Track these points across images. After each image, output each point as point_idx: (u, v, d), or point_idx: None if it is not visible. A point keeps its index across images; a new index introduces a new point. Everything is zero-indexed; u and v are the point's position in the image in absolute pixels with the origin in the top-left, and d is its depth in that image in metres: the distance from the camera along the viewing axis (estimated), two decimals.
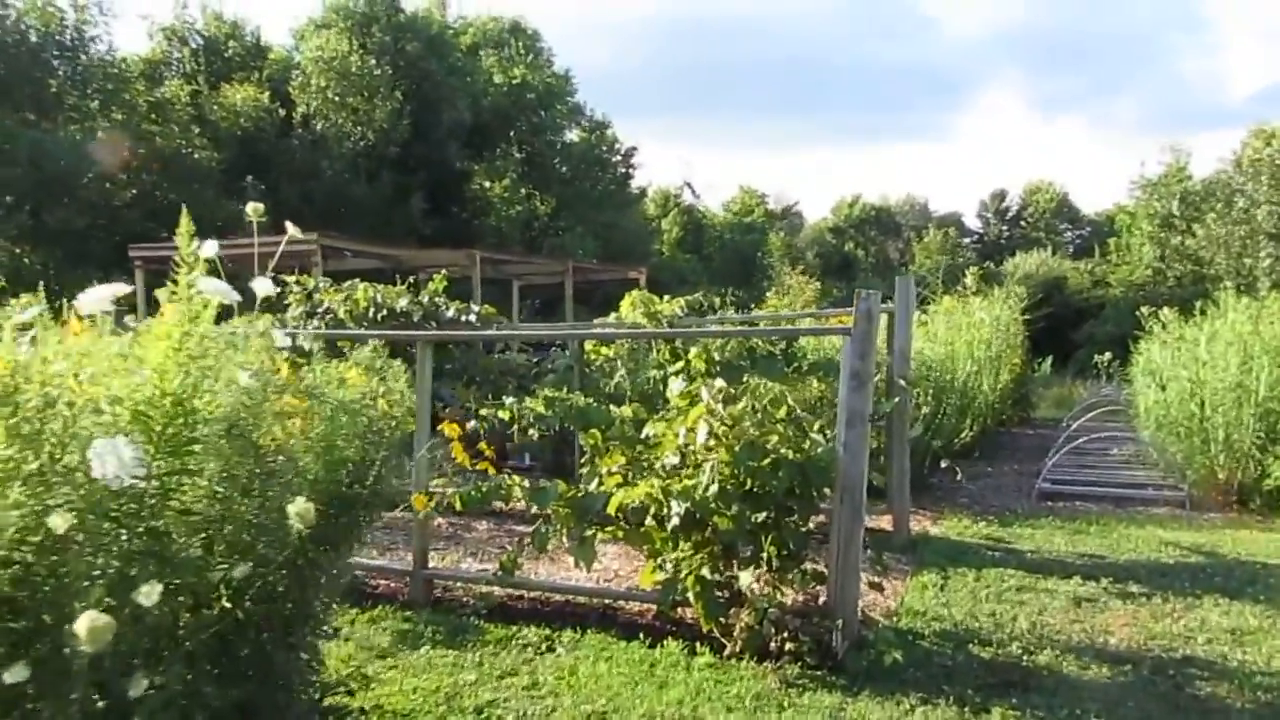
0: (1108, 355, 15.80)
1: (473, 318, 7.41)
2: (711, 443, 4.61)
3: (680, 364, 6.46)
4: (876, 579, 4.96)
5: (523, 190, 35.86)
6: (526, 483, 5.16)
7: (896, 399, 6.43)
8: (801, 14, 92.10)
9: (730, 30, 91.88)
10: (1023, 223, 66.99)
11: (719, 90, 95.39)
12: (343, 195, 25.09)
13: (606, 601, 5.25)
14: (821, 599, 4.73)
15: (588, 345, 7.46)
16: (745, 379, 5.34)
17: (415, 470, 5.47)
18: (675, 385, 5.26)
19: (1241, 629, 4.95)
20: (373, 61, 26.29)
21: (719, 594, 4.65)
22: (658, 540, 4.90)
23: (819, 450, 4.61)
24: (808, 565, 4.73)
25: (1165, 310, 10.92)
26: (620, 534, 5.05)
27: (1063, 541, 6.86)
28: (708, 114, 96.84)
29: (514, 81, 33.63)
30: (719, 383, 5.10)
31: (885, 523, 6.88)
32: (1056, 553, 6.55)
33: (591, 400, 5.74)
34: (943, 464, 6.41)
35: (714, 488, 4.49)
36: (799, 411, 4.79)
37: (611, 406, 5.40)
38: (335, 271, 11.05)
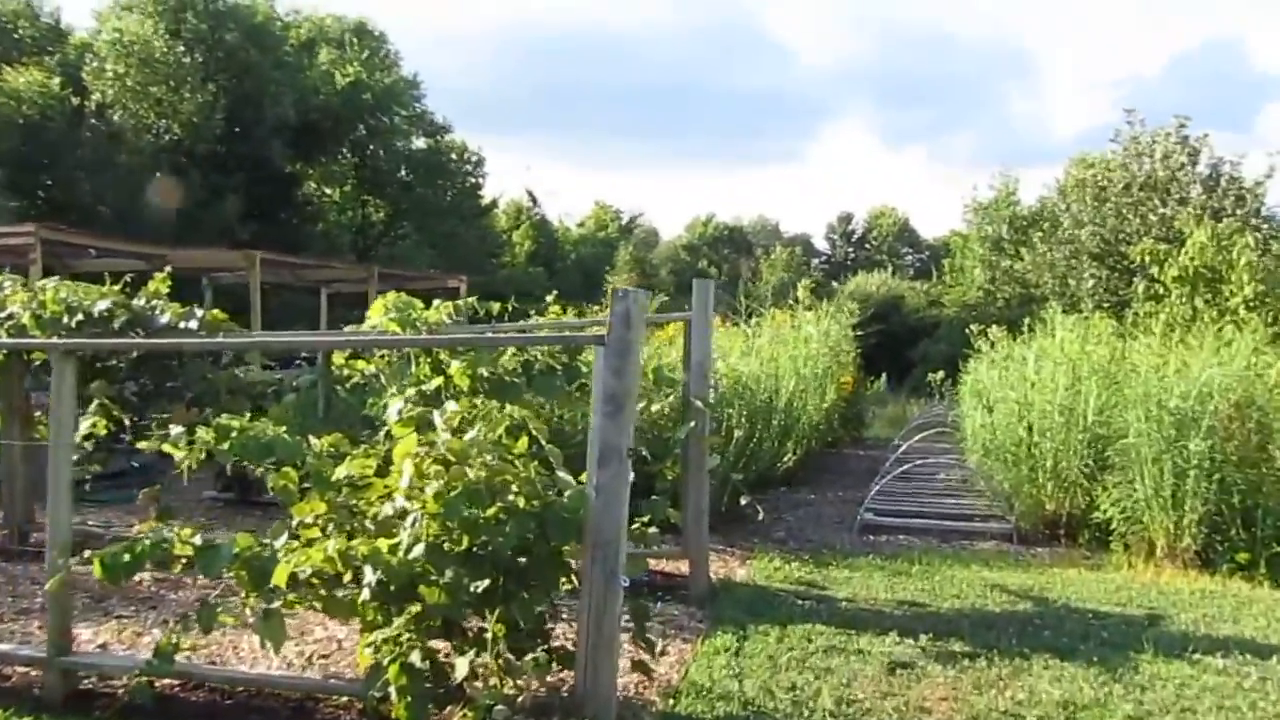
0: (940, 374, 15.52)
1: (194, 324, 6.07)
2: (425, 487, 3.49)
3: (438, 380, 5.34)
4: (644, 656, 3.93)
5: (360, 196, 34.02)
6: (199, 538, 3.89)
7: (692, 423, 5.47)
8: (663, 40, 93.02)
9: (593, 53, 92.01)
10: (867, 245, 69.32)
11: (581, 111, 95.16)
12: (144, 194, 22.78)
13: (304, 692, 4.04)
14: (570, 686, 3.68)
15: (339, 358, 6.22)
16: (479, 401, 4.24)
17: (50, 518, 4.15)
18: (394, 409, 4.11)
19: (1075, 702, 4.16)
20: (181, 49, 24.06)
21: (434, 686, 3.53)
22: (369, 612, 3.74)
23: (566, 495, 3.57)
24: (552, 644, 3.67)
25: (994, 328, 10.48)
26: (319, 604, 3.85)
27: (882, 585, 6.04)
28: (568, 133, 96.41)
29: (348, 80, 31.71)
30: (451, 406, 4.00)
31: (685, 566, 5.91)
32: (874, 601, 5.72)
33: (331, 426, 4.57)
34: (743, 500, 5.47)
35: (419, 548, 3.37)
36: (545, 444, 3.72)
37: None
38: (81, 274, 9.39)
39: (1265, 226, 14.97)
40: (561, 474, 3.68)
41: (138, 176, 22.57)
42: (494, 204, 45.16)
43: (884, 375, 21.91)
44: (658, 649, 4.70)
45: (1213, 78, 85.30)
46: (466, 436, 3.66)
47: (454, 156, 40.10)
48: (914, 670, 4.54)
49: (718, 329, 10.11)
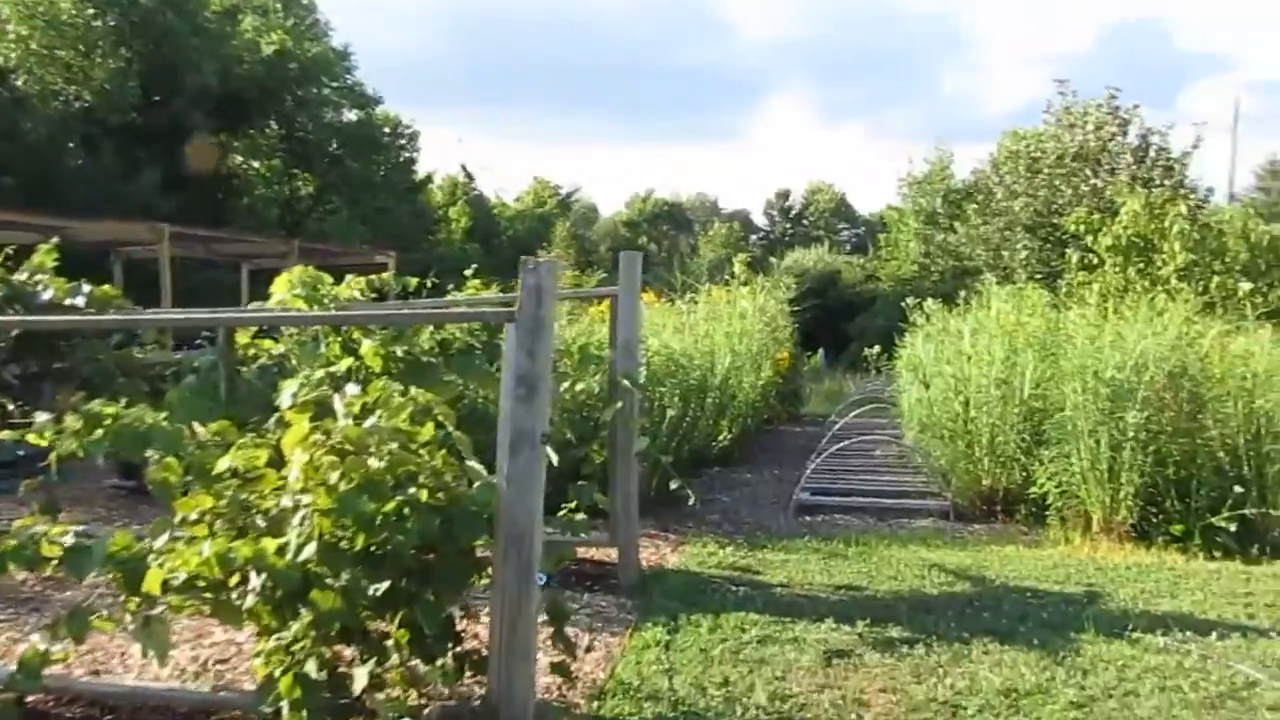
0: (877, 348, 15.49)
1: (80, 300, 5.62)
2: (320, 479, 3.16)
3: (348, 361, 4.99)
4: (563, 656, 3.65)
5: (288, 170, 32.96)
6: (71, 535, 3.51)
7: (619, 404, 5.19)
8: (602, 15, 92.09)
9: (531, 27, 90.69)
10: (805, 221, 69.77)
11: (519, 86, 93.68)
12: (54, 164, 21.66)
13: (192, 706, 3.69)
14: (482, 694, 3.39)
15: (244, 337, 5.81)
16: (382, 383, 3.91)
17: None
18: (287, 392, 3.76)
19: (1017, 689, 4.00)
20: (91, 11, 22.86)
21: (333, 698, 3.22)
22: (262, 615, 3.40)
23: (475, 487, 3.27)
24: (465, 647, 3.38)
25: (930, 301, 10.37)
26: (207, 608, 3.50)
27: (817, 569, 5.85)
28: (507, 109, 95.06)
29: (273, 49, 30.55)
30: (351, 389, 3.67)
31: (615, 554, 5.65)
32: (810, 585, 5.52)
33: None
34: (673, 485, 5.23)
35: (310, 548, 3.04)
36: (452, 430, 3.41)
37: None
38: None
39: (1192, 196, 15.14)
40: (471, 463, 3.37)
41: (46, 145, 21.45)
42: (429, 179, 44.40)
43: (821, 350, 21.89)
44: (583, 645, 4.45)
45: (1137, 55, 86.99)
46: (367, 423, 3.34)
47: (387, 130, 39.28)
48: (851, 659, 4.35)
49: (653, 306, 9.86)
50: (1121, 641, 4.54)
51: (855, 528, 7.02)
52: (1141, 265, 9.24)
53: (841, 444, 8.87)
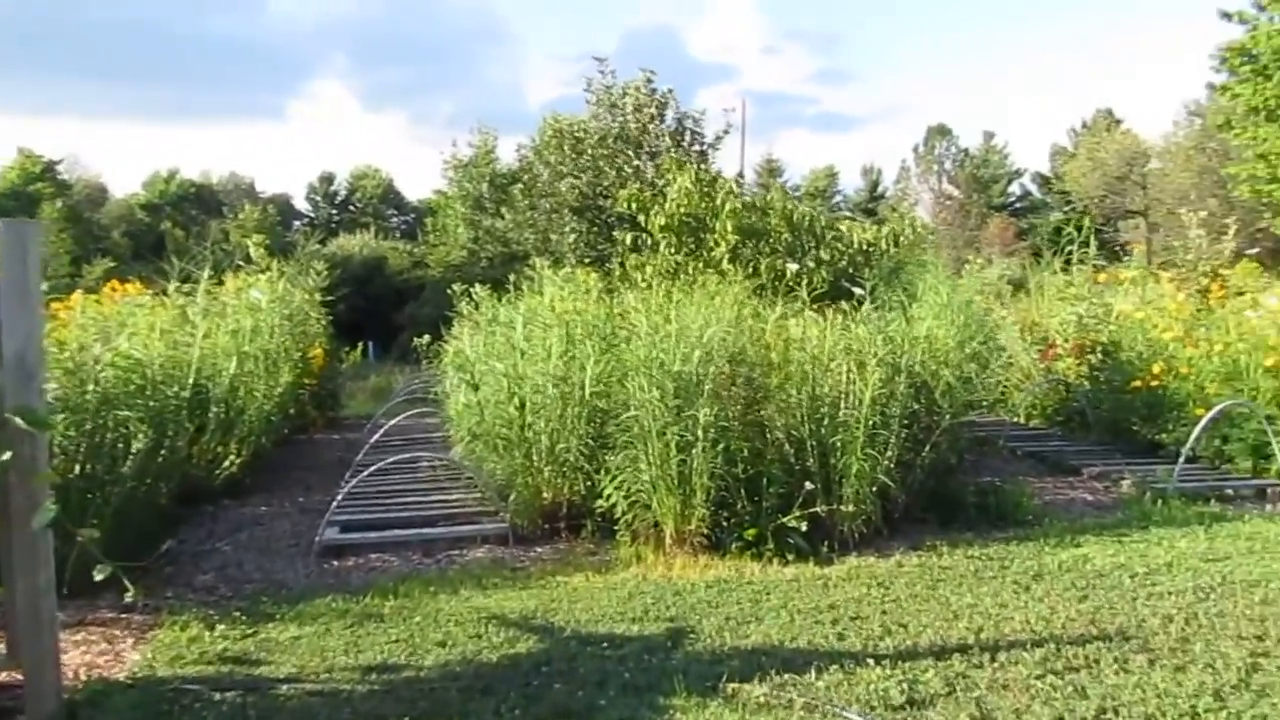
0: (427, 338, 14.22)
1: None
2: None
3: None
4: None
5: None
6: None
7: (10, 453, 3.35)
8: None
9: None
10: (351, 207, 67.09)
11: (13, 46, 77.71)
12: None
13: None
14: None
15: None
16: None
17: None
18: None
19: None
20: None
21: None
22: None
23: None
24: None
25: (478, 287, 9.29)
26: None
27: (342, 644, 4.40)
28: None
29: None
30: None
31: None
32: (330, 672, 4.07)
33: None
34: (98, 575, 3.47)
35: None
36: None
37: None
38: None
39: (726, 180, 15.72)
40: None
41: None
42: None
43: (368, 344, 20.25)
44: None
45: (658, 58, 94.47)
46: None
47: None
48: None
49: (138, 300, 7.64)
50: (718, 700, 3.69)
51: (396, 571, 5.65)
52: (693, 245, 8.93)
53: (386, 459, 7.44)
